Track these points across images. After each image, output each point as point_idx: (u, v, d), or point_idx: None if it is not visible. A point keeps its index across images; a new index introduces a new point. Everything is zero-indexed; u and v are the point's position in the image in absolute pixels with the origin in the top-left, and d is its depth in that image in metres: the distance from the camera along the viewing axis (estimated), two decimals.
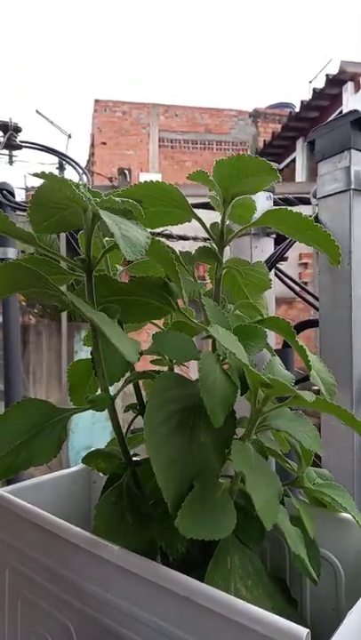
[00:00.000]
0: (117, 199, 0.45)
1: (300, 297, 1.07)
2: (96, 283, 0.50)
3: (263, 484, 0.40)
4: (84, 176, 1.39)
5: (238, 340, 0.49)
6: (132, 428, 0.59)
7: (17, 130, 1.24)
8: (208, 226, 0.54)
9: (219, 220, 0.56)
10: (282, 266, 1.18)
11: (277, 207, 0.50)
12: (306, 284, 1.16)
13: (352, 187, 0.76)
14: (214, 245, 0.55)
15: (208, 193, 0.58)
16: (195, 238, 1.40)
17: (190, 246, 0.77)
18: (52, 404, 0.51)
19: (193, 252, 0.58)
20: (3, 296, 0.53)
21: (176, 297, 0.52)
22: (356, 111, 0.75)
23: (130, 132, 9.24)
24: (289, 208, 0.51)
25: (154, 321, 0.60)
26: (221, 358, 0.47)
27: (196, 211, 0.55)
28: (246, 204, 0.54)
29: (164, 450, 0.42)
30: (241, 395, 0.47)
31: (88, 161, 9.70)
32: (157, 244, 0.47)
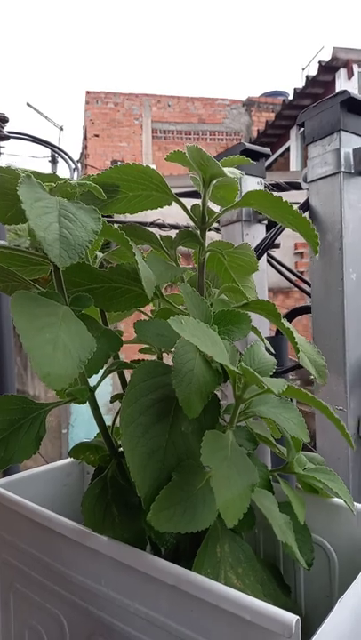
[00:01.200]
0: (73, 182, 0.44)
1: (295, 285, 1.07)
2: (72, 271, 0.48)
3: (235, 477, 0.38)
4: (75, 170, 1.37)
5: (220, 326, 0.48)
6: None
7: (4, 120, 1.22)
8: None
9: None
10: (277, 254, 1.17)
11: (257, 190, 0.48)
12: (302, 273, 1.15)
13: (342, 169, 0.75)
14: (196, 229, 0.54)
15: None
16: (187, 227, 1.38)
17: None
18: (30, 400, 0.50)
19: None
20: None
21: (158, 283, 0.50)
22: (345, 91, 0.74)
23: (122, 124, 9.17)
24: (276, 193, 0.50)
25: (141, 309, 0.59)
26: None
27: (189, 199, 0.54)
28: (228, 184, 0.53)
29: (142, 442, 0.40)
30: (224, 382, 0.46)
31: (81, 154, 9.63)
32: (112, 229, 0.45)
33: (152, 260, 0.48)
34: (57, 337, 0.35)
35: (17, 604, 0.54)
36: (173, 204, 0.56)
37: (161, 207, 0.58)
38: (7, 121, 1.31)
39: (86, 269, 0.50)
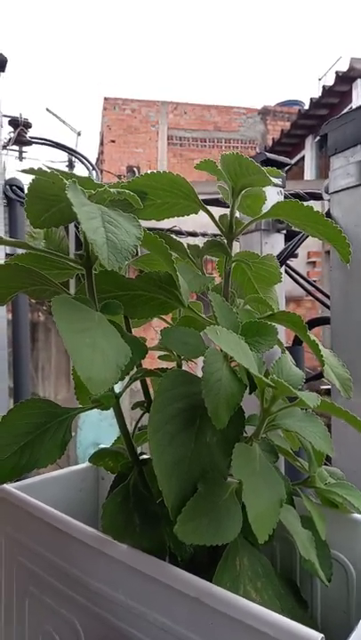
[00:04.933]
0: (113, 190, 0.44)
1: (312, 295, 1.06)
2: (99, 278, 0.48)
3: (263, 491, 0.38)
4: (93, 172, 1.39)
5: (247, 337, 0.48)
6: (139, 425, 0.58)
7: (27, 125, 1.24)
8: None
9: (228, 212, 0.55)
10: (291, 263, 1.16)
11: (289, 200, 0.48)
12: (315, 282, 1.15)
13: None
14: (223, 238, 0.54)
15: (216, 191, 0.57)
16: (204, 234, 1.39)
17: (199, 243, 0.76)
18: (55, 403, 0.51)
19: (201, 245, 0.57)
20: (5, 300, 0.51)
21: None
22: None
23: (139, 130, 9.24)
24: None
25: (162, 316, 0.59)
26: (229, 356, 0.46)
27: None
28: (256, 194, 0.53)
29: (168, 451, 0.40)
30: (250, 393, 0.45)
31: (97, 159, 9.72)
32: (152, 237, 0.45)
33: (181, 268, 0.48)
34: (95, 341, 0.35)
35: (32, 608, 0.54)
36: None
37: (188, 215, 0.58)
38: (30, 126, 1.33)
39: (114, 276, 0.50)
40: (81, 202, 0.37)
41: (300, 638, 0.31)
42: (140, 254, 0.59)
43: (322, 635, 0.31)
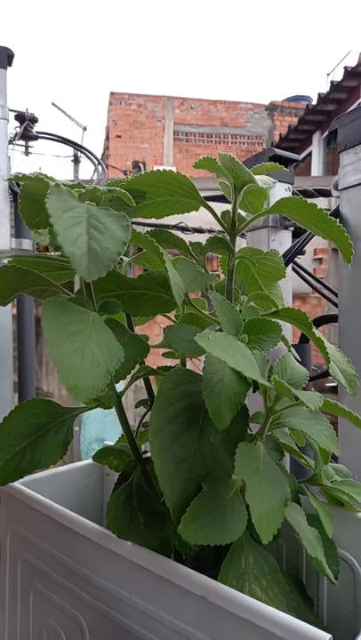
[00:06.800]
0: (103, 188, 0.43)
1: (319, 292, 1.05)
2: (100, 278, 0.48)
3: (268, 490, 0.38)
4: (99, 167, 1.38)
5: (250, 335, 0.47)
6: (143, 421, 0.58)
7: (33, 120, 1.23)
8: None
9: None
10: (298, 260, 1.15)
11: (292, 196, 0.48)
12: (321, 279, 1.14)
13: None
14: (226, 235, 0.53)
15: (218, 187, 0.57)
16: (210, 231, 1.38)
17: (205, 240, 0.76)
18: (57, 403, 0.50)
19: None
20: (6, 301, 0.51)
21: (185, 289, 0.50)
22: None
23: (145, 125, 9.21)
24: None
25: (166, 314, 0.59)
26: None
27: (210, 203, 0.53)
28: (258, 190, 0.52)
29: (171, 451, 0.40)
30: (253, 392, 0.45)
31: (103, 154, 9.71)
32: (144, 237, 0.45)
33: (183, 266, 0.48)
34: (85, 346, 0.35)
35: (36, 603, 0.55)
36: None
37: (189, 212, 0.58)
38: (37, 121, 1.32)
39: (114, 275, 0.50)
40: (63, 208, 0.36)
41: (308, 638, 0.31)
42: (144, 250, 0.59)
43: (330, 635, 0.30)
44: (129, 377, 0.48)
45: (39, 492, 0.54)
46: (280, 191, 0.93)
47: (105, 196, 0.44)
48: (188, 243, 0.55)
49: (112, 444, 0.60)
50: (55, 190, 0.36)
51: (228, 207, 0.56)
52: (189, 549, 0.46)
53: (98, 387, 0.34)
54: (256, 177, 0.49)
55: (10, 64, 0.91)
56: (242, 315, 0.49)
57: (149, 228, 0.69)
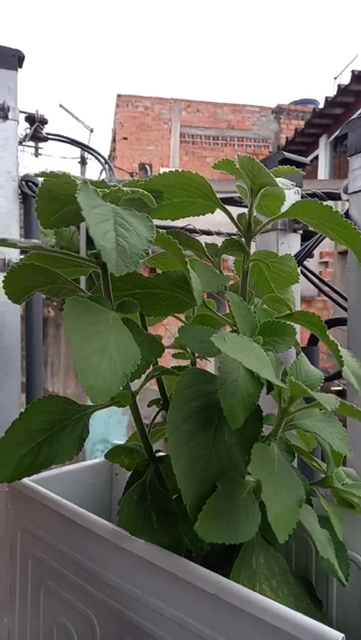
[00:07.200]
0: (126, 189, 0.44)
1: (327, 295, 1.05)
2: (115, 277, 0.48)
3: (283, 491, 0.38)
4: (107, 167, 1.39)
5: (265, 337, 0.48)
6: (154, 422, 0.58)
7: (43, 122, 1.24)
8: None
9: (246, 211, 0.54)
10: (306, 263, 1.16)
11: (307, 199, 0.48)
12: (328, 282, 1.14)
13: None
14: (241, 237, 0.54)
15: (229, 190, 0.57)
16: (218, 233, 1.38)
17: (213, 242, 0.76)
18: (72, 400, 0.51)
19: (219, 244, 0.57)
20: (21, 299, 0.52)
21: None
22: None
23: (151, 128, 9.23)
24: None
25: (176, 315, 0.59)
26: None
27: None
28: (275, 193, 0.53)
29: (187, 449, 0.40)
30: (267, 393, 0.45)
31: (109, 156, 9.73)
32: (165, 237, 0.45)
33: (199, 268, 0.48)
34: (104, 346, 0.35)
35: (47, 600, 0.55)
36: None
37: (204, 214, 0.58)
38: (46, 123, 1.34)
39: (131, 275, 0.50)
40: (92, 204, 0.37)
41: (322, 637, 0.31)
42: (152, 252, 0.60)
43: (342, 635, 0.31)
44: (143, 376, 0.48)
45: (48, 489, 0.54)
46: (289, 194, 0.93)
47: (124, 196, 0.44)
48: (203, 244, 0.55)
49: (122, 442, 0.60)
50: (84, 187, 0.37)
51: (237, 209, 0.56)
52: (201, 548, 0.46)
53: (113, 389, 0.35)
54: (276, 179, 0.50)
55: (20, 66, 0.91)
56: (256, 316, 0.50)
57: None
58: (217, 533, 0.37)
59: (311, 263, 1.15)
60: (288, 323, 0.47)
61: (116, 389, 0.35)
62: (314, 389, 0.40)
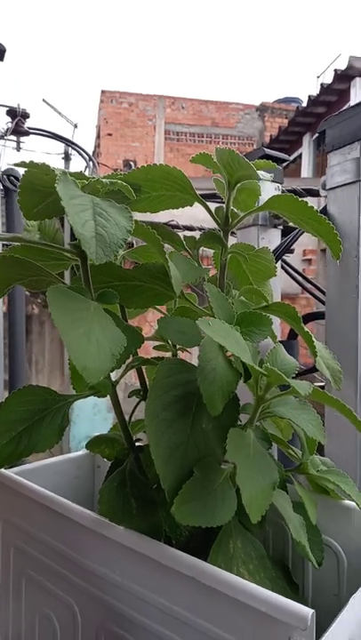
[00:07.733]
0: (105, 181, 0.45)
1: (308, 291, 1.07)
2: (96, 268, 0.49)
3: (257, 474, 0.39)
4: (90, 163, 1.38)
5: (242, 327, 0.49)
6: (133, 416, 0.59)
7: (25, 116, 1.23)
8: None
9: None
10: (287, 259, 1.17)
11: (283, 194, 0.50)
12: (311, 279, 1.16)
13: None
14: (219, 231, 0.55)
15: (212, 186, 0.58)
16: (200, 229, 1.40)
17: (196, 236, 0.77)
18: (53, 390, 0.51)
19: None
20: (1, 292, 0.52)
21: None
22: None
23: (136, 124, 9.20)
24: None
25: (157, 308, 0.60)
26: None
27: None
28: (251, 188, 0.54)
29: (166, 436, 0.41)
30: (244, 382, 0.46)
31: (93, 152, 9.67)
32: (145, 229, 0.46)
33: (177, 260, 0.49)
34: (90, 330, 0.36)
35: (29, 591, 0.55)
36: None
37: (183, 207, 0.59)
38: (28, 117, 1.33)
39: (110, 267, 0.51)
40: (71, 194, 0.37)
41: (294, 614, 0.32)
42: (136, 245, 0.60)
43: (313, 610, 0.32)
44: (123, 366, 0.49)
45: (31, 482, 0.55)
46: (270, 190, 0.94)
47: (103, 188, 0.45)
48: (182, 237, 0.56)
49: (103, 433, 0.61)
50: (63, 178, 0.38)
51: (219, 205, 0.57)
52: (180, 534, 0.47)
53: (105, 368, 0.36)
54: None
55: (2, 59, 0.91)
56: (234, 307, 0.51)
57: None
58: (193, 517, 0.38)
59: (295, 260, 1.17)
60: (265, 314, 0.49)
61: (108, 369, 0.36)
62: (289, 377, 0.41)
